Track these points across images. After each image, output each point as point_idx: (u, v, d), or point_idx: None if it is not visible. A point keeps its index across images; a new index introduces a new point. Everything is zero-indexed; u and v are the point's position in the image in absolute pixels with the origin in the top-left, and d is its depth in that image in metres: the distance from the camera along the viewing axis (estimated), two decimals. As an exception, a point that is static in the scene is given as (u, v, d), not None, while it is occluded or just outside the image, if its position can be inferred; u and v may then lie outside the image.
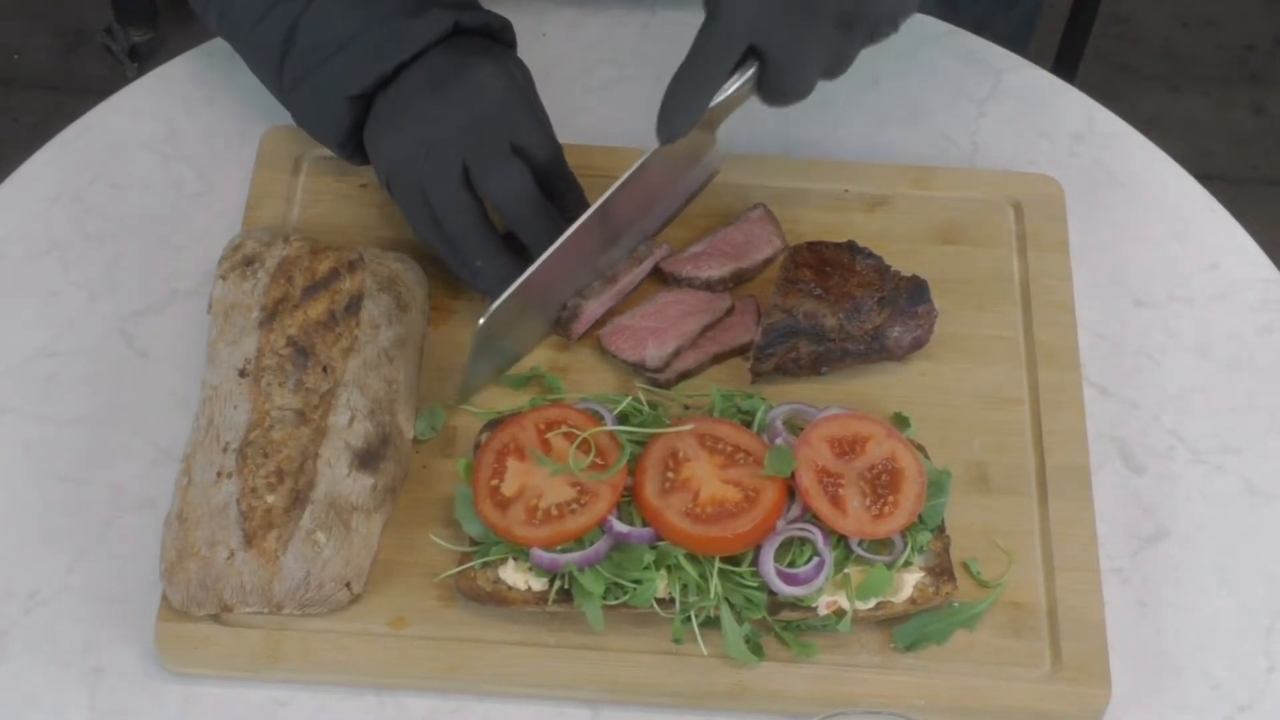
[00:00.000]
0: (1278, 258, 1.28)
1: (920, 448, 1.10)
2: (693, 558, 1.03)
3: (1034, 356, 1.18)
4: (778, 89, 1.09)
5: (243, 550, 1.04)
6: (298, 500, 1.05)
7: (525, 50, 1.22)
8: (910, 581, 1.05)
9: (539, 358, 1.18)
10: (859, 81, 1.35)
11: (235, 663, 1.04)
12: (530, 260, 1.15)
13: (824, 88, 1.31)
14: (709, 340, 1.18)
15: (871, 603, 1.04)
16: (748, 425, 1.09)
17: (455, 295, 1.20)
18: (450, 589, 1.06)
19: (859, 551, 1.04)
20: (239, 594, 1.04)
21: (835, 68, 1.10)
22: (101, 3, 2.54)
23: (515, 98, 1.16)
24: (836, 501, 1.04)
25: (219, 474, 1.06)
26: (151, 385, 1.17)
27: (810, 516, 1.05)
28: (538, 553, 1.03)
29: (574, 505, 1.04)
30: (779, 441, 1.07)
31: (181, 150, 1.30)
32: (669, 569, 1.03)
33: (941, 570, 1.06)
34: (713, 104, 1.08)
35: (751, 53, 1.07)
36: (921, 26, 1.39)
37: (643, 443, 1.07)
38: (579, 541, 1.03)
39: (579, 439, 1.07)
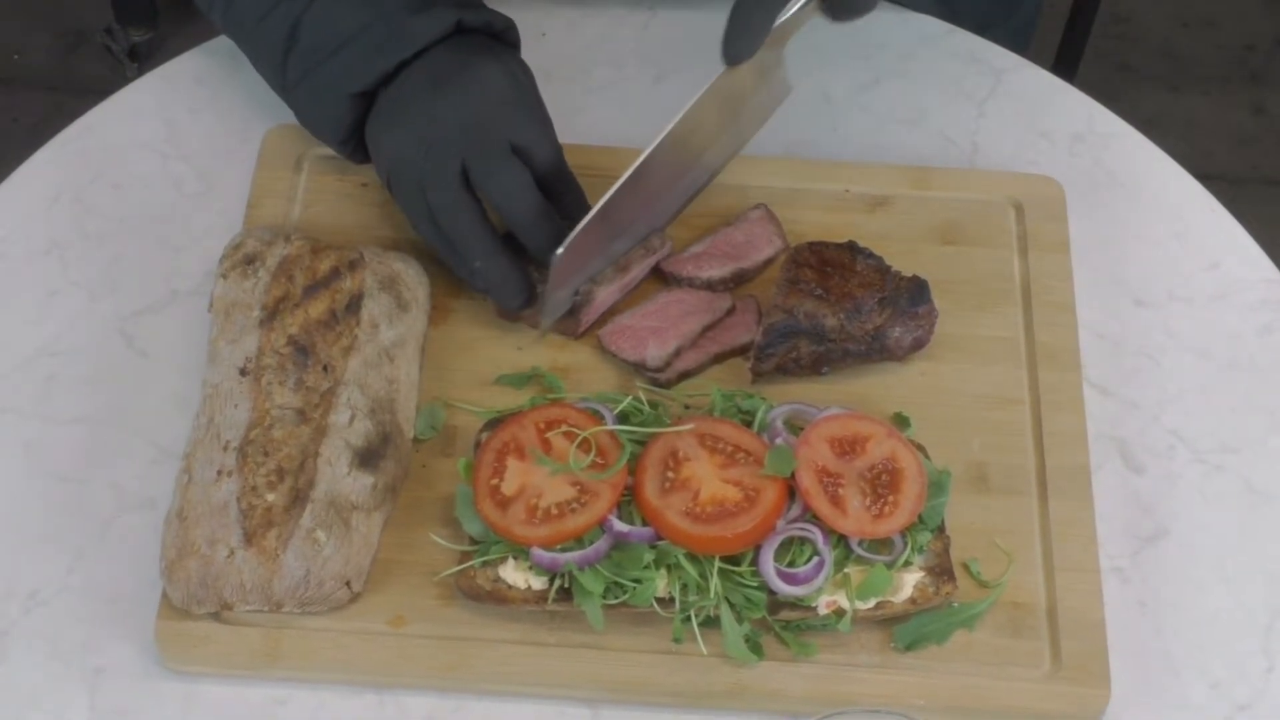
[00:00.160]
0: (1278, 258, 1.28)
1: (920, 448, 1.10)
2: (693, 557, 1.03)
3: (1034, 357, 1.18)
4: (843, 4, 1.08)
5: (243, 548, 1.04)
6: (298, 499, 1.05)
7: (526, 50, 1.22)
8: (910, 581, 1.05)
9: (539, 357, 1.18)
10: (859, 81, 1.35)
11: (235, 661, 1.04)
12: (530, 261, 1.16)
13: (824, 88, 1.31)
14: (710, 340, 1.18)
15: (871, 602, 1.04)
16: (748, 425, 1.09)
17: (456, 294, 1.20)
18: (450, 588, 1.06)
19: (859, 551, 1.04)
20: (239, 592, 1.04)
21: None
22: (101, 3, 2.54)
23: (517, 98, 1.16)
24: (836, 501, 1.04)
25: (219, 472, 1.06)
26: (151, 385, 1.17)
27: (810, 516, 1.05)
28: (538, 552, 1.03)
29: (574, 504, 1.04)
30: (779, 441, 1.07)
31: (182, 150, 1.30)
32: (669, 568, 1.03)
33: (941, 570, 1.06)
34: (777, 22, 1.08)
35: None
36: (921, 26, 1.39)
37: (643, 442, 1.07)
38: (579, 541, 1.03)
39: (579, 438, 1.07)
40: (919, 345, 1.16)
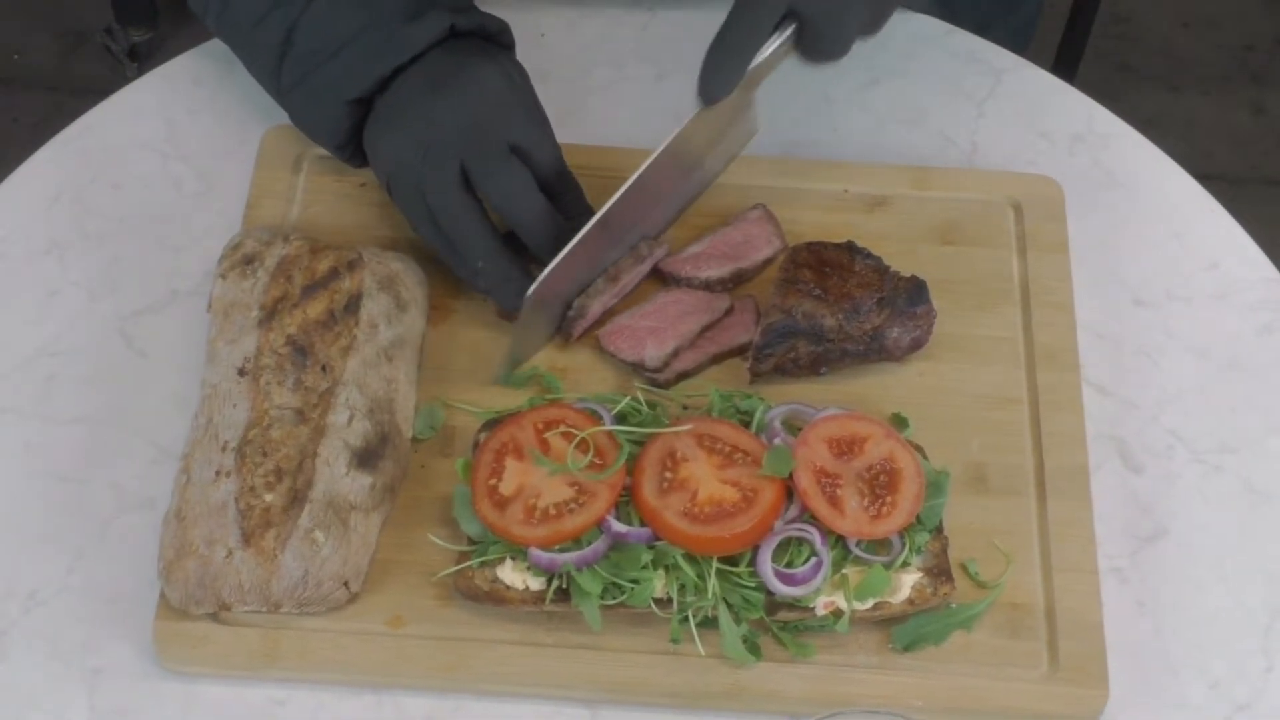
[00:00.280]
0: (1277, 258, 1.28)
1: (919, 448, 1.10)
2: (690, 558, 1.03)
3: (1033, 357, 1.18)
4: (817, 48, 1.09)
5: (241, 549, 1.04)
6: (296, 499, 1.05)
7: (524, 51, 1.22)
8: (908, 582, 1.05)
9: (538, 357, 1.18)
10: (859, 81, 1.35)
11: (233, 661, 1.04)
12: (531, 260, 1.16)
13: (824, 88, 1.31)
14: (708, 340, 1.18)
15: (869, 603, 1.04)
16: (746, 425, 1.09)
17: (455, 295, 1.20)
18: (448, 588, 1.07)
19: (857, 552, 1.04)
20: (237, 592, 1.04)
21: (873, 25, 1.10)
22: (101, 3, 2.54)
23: (513, 99, 1.16)
24: (834, 502, 1.04)
25: (218, 472, 1.06)
26: (151, 385, 1.17)
27: (808, 517, 1.05)
28: (535, 552, 1.03)
29: (572, 505, 1.04)
30: (777, 442, 1.07)
31: (181, 150, 1.30)
32: (667, 569, 1.03)
33: (939, 571, 1.06)
34: (752, 65, 1.08)
35: (790, 13, 1.07)
36: (921, 26, 1.39)
37: (641, 442, 1.07)
38: (577, 541, 1.03)
39: (577, 439, 1.07)
40: (917, 345, 1.16)
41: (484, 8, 1.21)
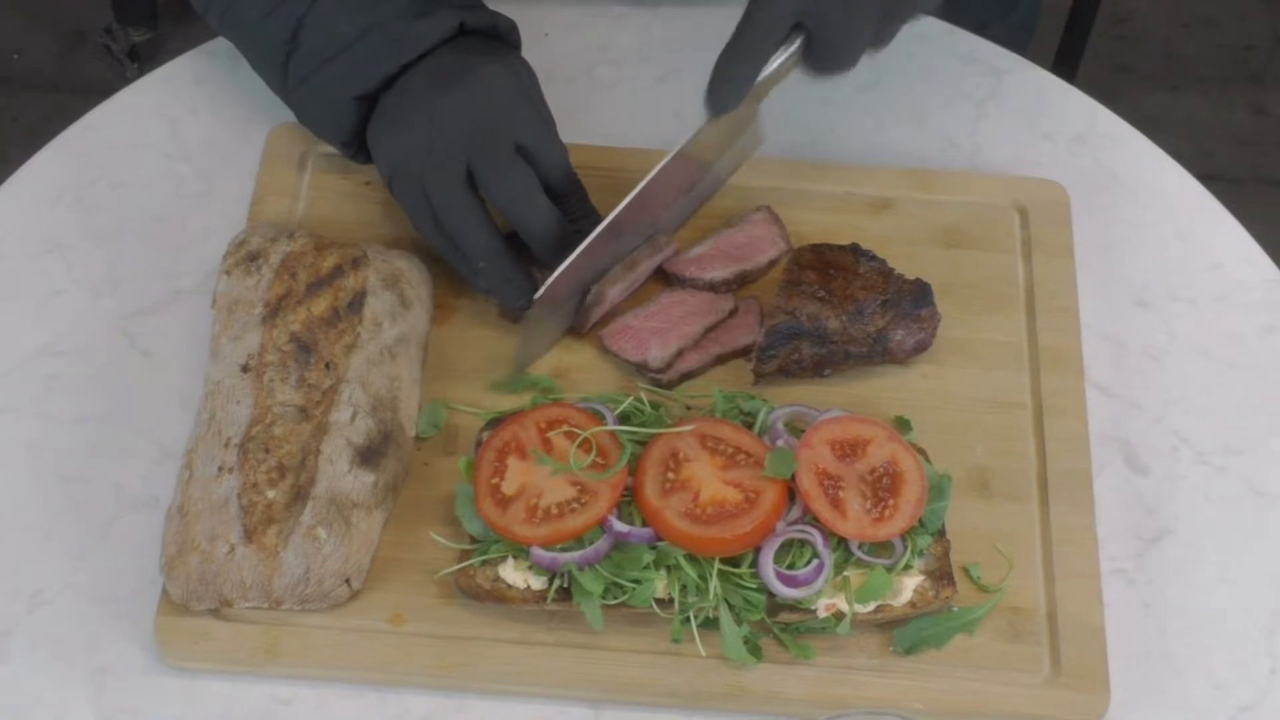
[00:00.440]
0: (1277, 258, 1.28)
1: (921, 451, 1.10)
2: (692, 558, 1.03)
3: (1037, 361, 1.18)
4: (824, 62, 1.10)
5: (243, 545, 1.04)
6: (298, 496, 1.05)
7: (527, 50, 1.22)
8: (910, 585, 1.05)
9: (543, 359, 1.18)
10: (859, 81, 1.35)
11: (234, 657, 1.04)
12: (533, 261, 1.16)
13: (824, 88, 1.31)
14: (711, 341, 1.18)
15: (871, 606, 1.04)
16: (749, 427, 1.09)
17: (459, 293, 1.20)
18: (449, 587, 1.07)
19: (859, 554, 1.04)
20: (239, 589, 1.04)
21: (881, 39, 1.10)
22: (101, 3, 2.54)
23: (520, 99, 1.16)
24: (837, 504, 1.04)
25: (220, 469, 1.06)
26: (154, 385, 1.17)
27: (810, 518, 1.05)
28: (537, 551, 1.03)
29: (574, 504, 1.04)
30: (780, 443, 1.07)
31: (183, 150, 1.30)
32: (668, 569, 1.03)
33: (941, 574, 1.05)
34: (760, 77, 1.09)
35: (798, 26, 1.07)
36: (921, 26, 1.39)
37: (644, 443, 1.07)
38: (578, 541, 1.03)
39: (580, 438, 1.07)
40: (921, 348, 1.16)
41: (490, 7, 1.21)
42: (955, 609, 1.06)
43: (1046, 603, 1.08)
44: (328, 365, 1.10)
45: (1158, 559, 1.12)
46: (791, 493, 1.05)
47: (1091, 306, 1.22)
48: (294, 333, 1.10)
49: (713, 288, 1.20)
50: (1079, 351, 1.18)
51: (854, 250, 1.17)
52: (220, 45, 1.32)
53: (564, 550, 1.03)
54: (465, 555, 1.06)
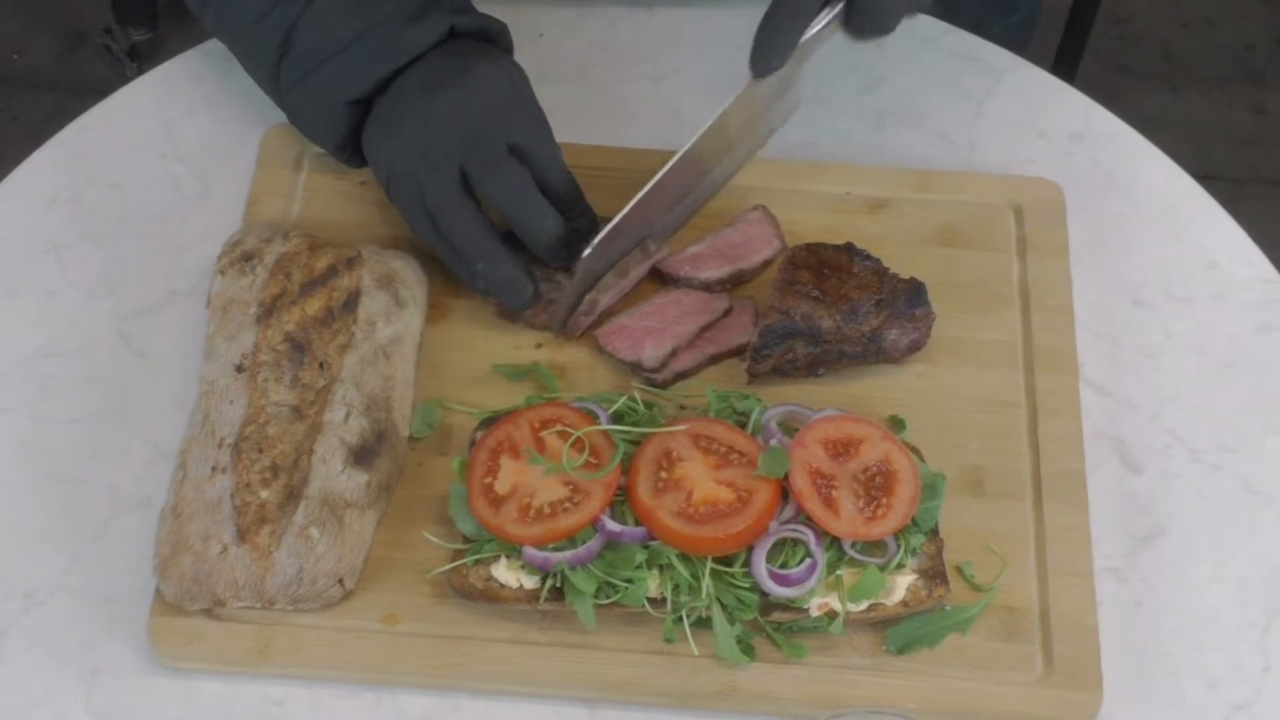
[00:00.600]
0: (1276, 258, 1.28)
1: (915, 450, 1.10)
2: (685, 557, 1.03)
3: (1031, 360, 1.18)
4: (865, 25, 1.11)
5: (236, 545, 1.04)
6: (292, 496, 1.05)
7: (522, 50, 1.22)
8: (903, 584, 1.05)
9: (536, 356, 1.18)
10: (858, 82, 1.35)
11: (227, 657, 1.04)
12: (530, 260, 1.16)
13: (823, 88, 1.31)
14: (706, 341, 1.18)
15: (864, 605, 1.04)
16: (743, 426, 1.09)
17: (454, 293, 1.20)
18: (442, 586, 1.07)
19: (852, 553, 1.04)
20: (232, 589, 1.04)
21: (920, 2, 1.11)
22: (101, 3, 2.54)
23: (513, 100, 1.16)
24: (830, 503, 1.04)
25: (214, 469, 1.06)
26: (149, 385, 1.17)
27: (803, 518, 1.05)
28: (530, 551, 1.03)
29: (567, 504, 1.04)
30: (773, 442, 1.07)
31: (180, 151, 1.30)
32: (661, 568, 1.03)
33: (934, 573, 1.05)
34: (803, 39, 1.10)
35: None
36: (921, 26, 1.39)
37: (637, 442, 1.07)
38: (571, 540, 1.03)
39: (573, 438, 1.07)
40: (915, 348, 1.16)
41: (483, 8, 1.21)
42: (948, 608, 1.06)
43: (1040, 602, 1.08)
44: (321, 365, 1.10)
45: (1152, 557, 1.12)
46: (784, 492, 1.05)
47: (1087, 305, 1.22)
48: (288, 333, 1.10)
49: (708, 287, 1.20)
50: (1074, 350, 1.18)
51: (849, 250, 1.17)
52: (218, 46, 1.32)
53: (557, 550, 1.03)
54: (458, 555, 1.06)
